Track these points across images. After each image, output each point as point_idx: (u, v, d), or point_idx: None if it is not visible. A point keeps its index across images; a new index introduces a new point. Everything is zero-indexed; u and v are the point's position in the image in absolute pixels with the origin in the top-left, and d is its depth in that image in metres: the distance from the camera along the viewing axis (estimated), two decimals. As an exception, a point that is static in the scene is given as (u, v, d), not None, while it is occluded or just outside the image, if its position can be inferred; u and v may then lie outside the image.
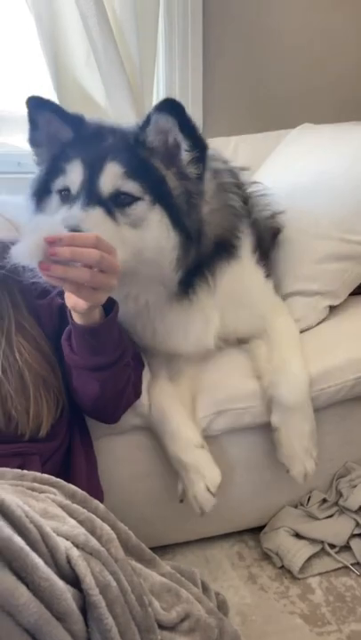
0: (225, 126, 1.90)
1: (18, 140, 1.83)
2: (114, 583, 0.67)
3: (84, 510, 0.74)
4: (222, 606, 0.95)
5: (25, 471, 0.80)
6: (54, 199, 1.03)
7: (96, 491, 1.05)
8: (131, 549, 0.80)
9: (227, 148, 1.69)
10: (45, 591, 0.58)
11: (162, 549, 1.31)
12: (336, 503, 1.33)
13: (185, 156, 0.98)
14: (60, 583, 0.60)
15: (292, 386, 1.15)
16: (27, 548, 0.58)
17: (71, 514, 0.73)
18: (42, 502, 0.72)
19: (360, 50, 2.07)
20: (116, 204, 0.96)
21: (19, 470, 0.80)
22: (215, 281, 1.08)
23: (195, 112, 1.95)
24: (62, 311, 1.00)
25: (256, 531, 1.36)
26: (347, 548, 1.28)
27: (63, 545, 0.65)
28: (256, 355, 1.22)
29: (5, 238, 0.97)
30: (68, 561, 0.64)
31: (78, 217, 0.90)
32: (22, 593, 0.56)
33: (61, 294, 0.97)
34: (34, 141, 1.08)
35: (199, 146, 0.98)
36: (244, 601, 1.20)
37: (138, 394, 1.13)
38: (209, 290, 1.08)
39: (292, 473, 1.18)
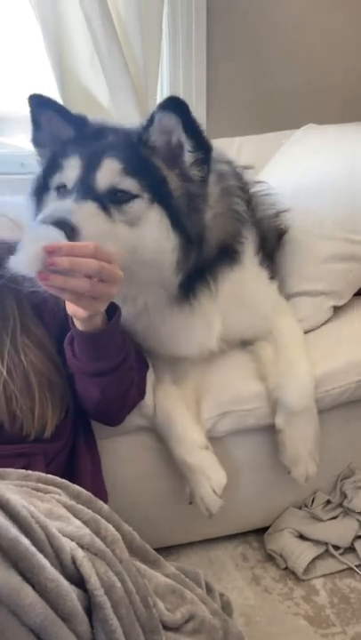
0: (229, 127, 1.90)
1: (21, 140, 1.83)
2: (118, 584, 0.67)
3: (89, 511, 0.74)
4: (226, 607, 0.95)
5: (29, 471, 0.80)
6: (52, 196, 1.02)
7: (100, 491, 1.04)
8: (135, 550, 0.80)
9: (230, 149, 1.69)
10: (51, 592, 0.58)
11: (166, 550, 1.31)
12: (340, 504, 1.32)
13: (188, 157, 0.96)
14: (66, 584, 0.60)
15: (298, 389, 1.15)
16: (33, 549, 0.58)
17: (76, 514, 0.73)
18: (47, 503, 0.72)
19: (365, 50, 2.07)
20: (113, 200, 0.93)
21: (23, 471, 0.80)
22: (217, 286, 1.06)
23: (198, 113, 1.93)
24: (66, 312, 1.00)
25: (260, 532, 1.36)
26: (351, 549, 1.28)
27: (68, 545, 0.65)
28: (261, 356, 1.21)
29: (9, 239, 0.97)
30: (74, 561, 0.64)
31: (68, 208, 0.88)
32: (28, 593, 0.56)
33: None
34: (37, 141, 1.08)
35: (203, 147, 0.96)
36: (248, 602, 1.20)
37: (142, 394, 1.13)
38: (211, 294, 1.06)
39: (294, 475, 1.18)
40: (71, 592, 0.61)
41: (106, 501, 0.95)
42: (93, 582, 0.64)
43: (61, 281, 0.78)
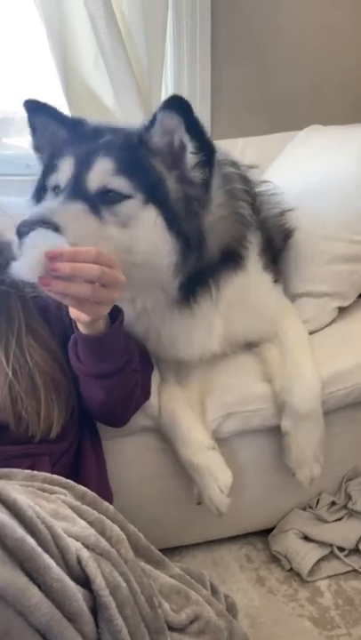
0: (233, 129, 1.90)
1: (26, 141, 1.83)
2: (124, 584, 0.67)
3: (94, 511, 0.74)
4: (231, 609, 0.95)
5: (35, 472, 0.80)
6: (48, 197, 1.01)
7: (105, 492, 1.05)
8: (140, 551, 0.80)
9: (234, 150, 1.69)
10: (57, 592, 0.58)
11: (170, 551, 1.31)
12: (345, 506, 1.32)
13: (190, 158, 0.94)
14: (72, 584, 0.61)
15: (305, 392, 1.14)
16: (39, 549, 0.58)
17: (81, 515, 0.73)
18: (52, 503, 0.73)
19: (369, 51, 2.07)
20: (104, 201, 0.92)
21: (29, 471, 0.80)
22: (220, 289, 1.05)
23: (203, 114, 1.95)
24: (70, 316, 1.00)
25: (264, 533, 1.36)
26: (356, 551, 1.28)
27: (74, 546, 0.65)
28: (267, 358, 1.21)
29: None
30: (79, 562, 0.65)
31: (53, 208, 0.87)
32: (34, 594, 0.56)
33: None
34: (36, 145, 1.08)
35: (206, 149, 0.94)
36: (253, 603, 1.19)
37: (147, 395, 1.13)
38: (212, 298, 1.05)
39: (299, 477, 1.18)
40: (77, 592, 0.61)
41: (111, 502, 0.95)
42: (99, 582, 0.64)
43: (63, 286, 0.77)
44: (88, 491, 0.79)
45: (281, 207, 1.31)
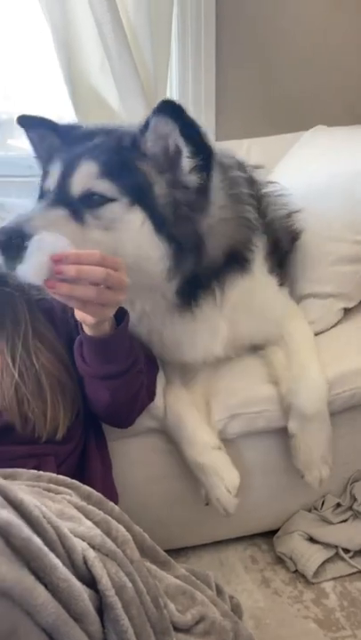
0: (238, 129, 1.90)
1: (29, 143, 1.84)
2: (130, 584, 0.68)
3: (100, 512, 0.75)
4: (236, 610, 0.95)
5: (41, 472, 0.81)
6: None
7: (111, 493, 1.05)
8: (146, 551, 0.80)
9: (239, 151, 1.69)
10: (63, 592, 0.58)
11: (175, 552, 1.31)
12: (350, 507, 1.32)
13: (186, 163, 0.92)
14: (78, 584, 0.61)
15: (311, 394, 1.14)
16: (45, 549, 0.58)
17: (87, 515, 0.73)
18: (58, 503, 0.73)
19: (374, 52, 2.07)
20: (88, 204, 0.91)
21: (35, 471, 0.81)
22: (224, 293, 1.04)
23: (207, 116, 1.95)
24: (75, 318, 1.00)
25: (269, 534, 1.35)
26: (361, 552, 1.28)
27: (80, 546, 0.66)
28: (272, 361, 1.21)
29: None
30: (85, 562, 0.65)
31: (29, 216, 0.86)
32: (41, 593, 0.56)
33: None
34: (38, 157, 1.09)
35: (203, 152, 0.92)
36: (258, 605, 1.19)
37: (152, 397, 1.14)
38: (216, 301, 1.04)
39: (308, 479, 1.18)
40: (83, 592, 0.61)
41: (116, 503, 0.95)
42: (105, 583, 0.65)
43: (68, 289, 0.78)
44: (94, 491, 0.79)
45: (288, 209, 1.30)
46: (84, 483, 0.81)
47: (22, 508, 0.60)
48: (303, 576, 1.25)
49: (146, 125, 0.93)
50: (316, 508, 1.33)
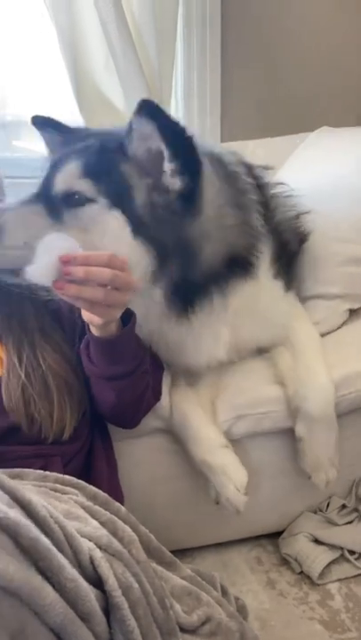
0: (243, 130, 1.91)
1: (35, 144, 1.85)
2: (136, 585, 0.68)
3: (106, 512, 0.75)
4: (242, 611, 0.95)
5: (47, 472, 0.81)
6: None
7: (116, 493, 1.05)
8: (152, 552, 0.80)
9: (244, 152, 1.69)
10: (71, 592, 0.59)
11: (180, 553, 1.30)
12: (356, 509, 1.31)
13: (167, 166, 0.91)
14: (85, 584, 0.61)
15: (318, 397, 1.14)
16: (53, 549, 0.58)
17: (93, 515, 0.73)
18: (64, 503, 0.73)
19: (380, 53, 2.07)
20: (69, 203, 0.92)
21: (41, 471, 0.81)
22: (227, 298, 1.03)
23: (213, 115, 1.95)
24: (82, 319, 1.00)
25: (275, 536, 1.35)
26: (366, 554, 1.27)
27: (86, 546, 0.66)
28: (278, 363, 1.20)
29: None
30: (92, 562, 0.65)
31: (3, 209, 0.87)
32: (49, 593, 0.56)
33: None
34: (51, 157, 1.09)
35: (185, 154, 0.90)
36: (263, 606, 1.19)
37: (157, 397, 1.13)
38: (213, 307, 1.02)
39: (315, 480, 1.18)
40: (90, 592, 0.61)
41: (122, 503, 0.94)
42: (111, 583, 0.65)
43: (76, 290, 0.78)
44: (100, 491, 0.80)
45: (297, 210, 1.29)
46: (90, 483, 0.81)
47: (30, 507, 0.60)
48: (309, 577, 1.24)
49: (130, 127, 0.92)
50: (321, 510, 1.33)
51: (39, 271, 0.78)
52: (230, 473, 1.11)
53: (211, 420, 1.15)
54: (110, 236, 0.92)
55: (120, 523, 0.74)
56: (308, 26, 1.99)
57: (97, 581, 0.65)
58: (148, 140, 0.90)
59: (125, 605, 0.65)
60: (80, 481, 0.81)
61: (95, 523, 0.72)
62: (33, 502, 0.60)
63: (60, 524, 0.63)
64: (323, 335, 1.27)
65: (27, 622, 0.55)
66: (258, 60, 1.98)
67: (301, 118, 1.93)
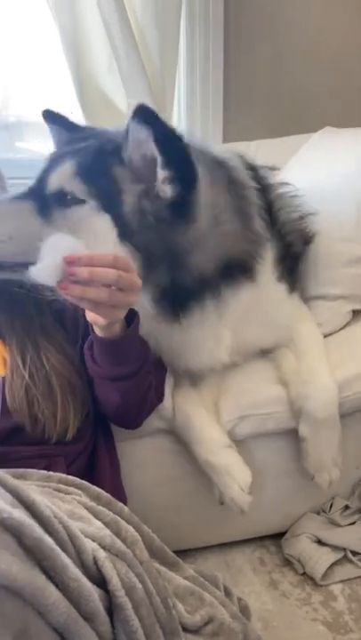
0: (246, 130, 1.91)
1: (38, 145, 1.85)
2: (139, 585, 0.68)
3: (110, 512, 0.75)
4: (245, 612, 0.95)
5: (51, 472, 0.81)
6: None
7: (119, 493, 1.05)
8: (155, 552, 0.80)
9: (247, 153, 1.69)
10: (74, 591, 0.59)
11: (183, 553, 1.31)
12: (359, 510, 1.31)
13: (160, 173, 0.89)
14: (88, 584, 0.61)
15: (322, 398, 1.13)
16: (57, 549, 0.58)
17: (97, 515, 0.73)
18: (68, 503, 0.73)
19: (384, 52, 2.06)
20: (60, 202, 0.92)
21: (45, 471, 0.81)
22: (227, 302, 1.01)
23: (215, 114, 1.95)
24: (86, 319, 1.00)
25: (277, 536, 1.35)
26: (369, 555, 1.27)
27: (90, 546, 0.66)
28: (282, 364, 1.20)
29: None
30: (95, 562, 0.65)
31: None
32: (52, 592, 0.56)
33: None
34: None
35: (179, 162, 0.89)
36: (266, 607, 1.19)
37: (160, 398, 1.13)
38: (208, 311, 1.00)
39: (318, 481, 1.18)
40: (93, 592, 0.61)
41: (125, 503, 0.94)
42: (115, 583, 0.65)
43: (81, 291, 0.78)
44: (103, 492, 0.80)
45: (301, 211, 1.29)
46: (93, 483, 0.81)
47: (34, 507, 0.60)
48: (311, 578, 1.24)
49: (126, 131, 0.91)
50: (324, 511, 1.33)
51: (44, 271, 0.78)
52: (234, 473, 1.11)
53: (214, 420, 1.15)
54: (96, 238, 0.91)
55: (123, 523, 0.74)
56: (311, 26, 1.99)
57: (100, 581, 0.65)
58: (143, 145, 0.89)
59: (129, 605, 0.65)
60: (83, 481, 0.81)
61: (98, 523, 0.72)
62: (37, 502, 0.60)
63: (64, 523, 0.63)
64: (325, 336, 1.27)
65: (30, 622, 0.55)
66: (261, 61, 1.98)
67: (304, 117, 1.93)
